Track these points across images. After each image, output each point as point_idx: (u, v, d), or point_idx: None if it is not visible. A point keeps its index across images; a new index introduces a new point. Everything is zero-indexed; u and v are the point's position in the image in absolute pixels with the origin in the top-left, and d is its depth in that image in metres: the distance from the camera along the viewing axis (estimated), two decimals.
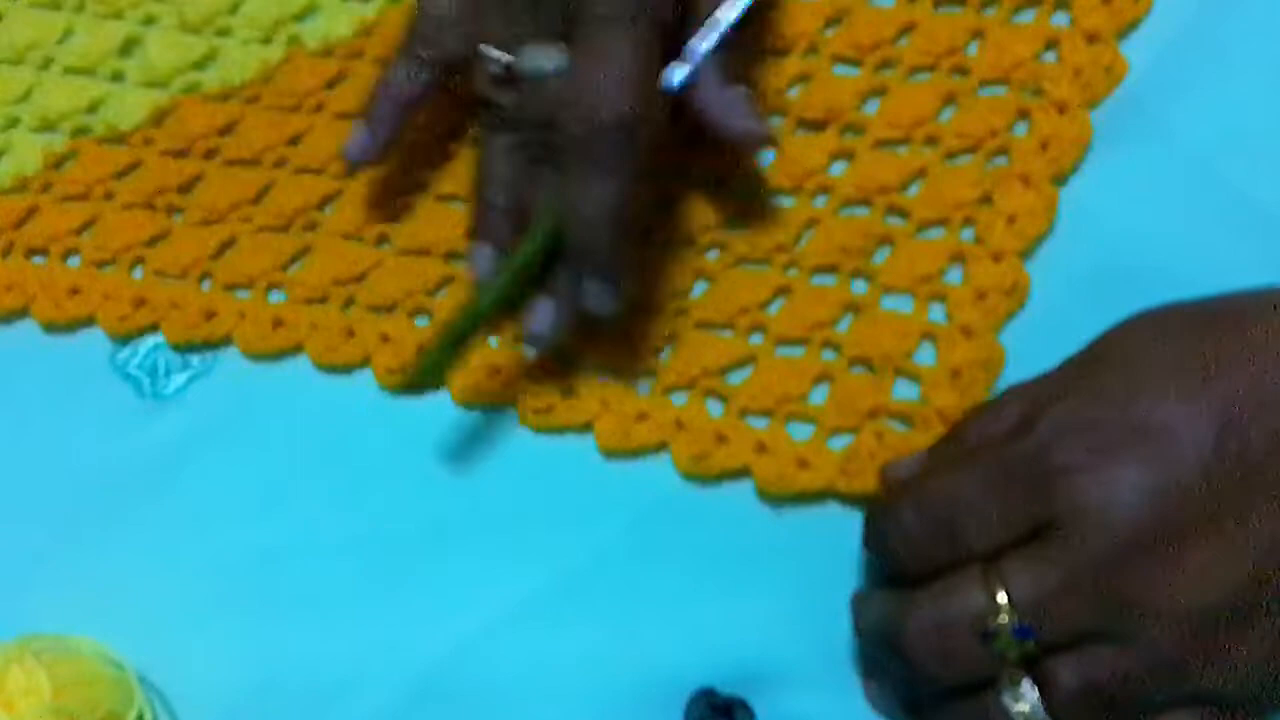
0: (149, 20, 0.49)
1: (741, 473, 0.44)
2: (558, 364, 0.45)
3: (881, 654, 0.40)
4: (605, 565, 0.44)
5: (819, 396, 0.44)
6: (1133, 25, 0.46)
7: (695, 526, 0.44)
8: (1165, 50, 0.46)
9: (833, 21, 0.47)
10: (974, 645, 0.36)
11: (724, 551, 0.43)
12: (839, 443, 0.43)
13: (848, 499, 0.43)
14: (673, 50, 0.41)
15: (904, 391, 0.44)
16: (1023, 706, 0.36)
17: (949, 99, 0.46)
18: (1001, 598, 0.36)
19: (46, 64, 0.49)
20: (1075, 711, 0.36)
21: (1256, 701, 0.36)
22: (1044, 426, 0.36)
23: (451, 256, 0.46)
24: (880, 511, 0.39)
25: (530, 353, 0.43)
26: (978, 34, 0.46)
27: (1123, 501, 0.35)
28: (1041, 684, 0.36)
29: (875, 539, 0.40)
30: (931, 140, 0.45)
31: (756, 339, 0.44)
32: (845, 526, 0.42)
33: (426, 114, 0.47)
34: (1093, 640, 0.35)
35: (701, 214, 0.46)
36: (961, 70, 0.46)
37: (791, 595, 0.43)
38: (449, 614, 0.44)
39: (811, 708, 0.42)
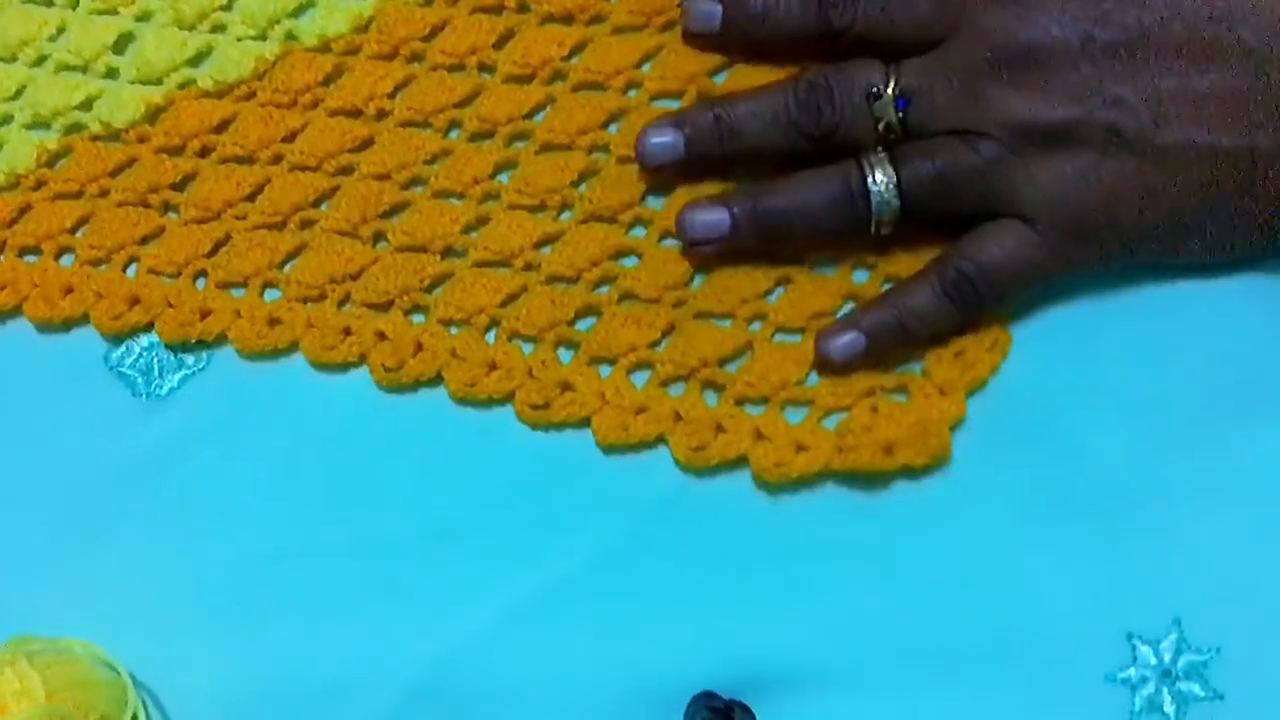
0: (143, 16, 0.49)
1: (740, 461, 0.43)
2: (554, 359, 0.44)
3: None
4: (604, 565, 0.43)
5: (815, 381, 0.43)
6: None
7: (695, 526, 0.43)
8: None
9: None
10: (859, 104, 0.42)
11: (724, 551, 0.43)
12: (834, 422, 0.43)
13: (844, 477, 0.42)
14: None
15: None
16: (878, 182, 0.42)
17: None
18: (893, 79, 0.42)
19: (40, 60, 0.49)
20: (919, 193, 0.42)
21: (1057, 222, 0.41)
22: None
23: (448, 253, 0.46)
24: None
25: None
26: None
27: (1014, 28, 0.41)
28: (896, 165, 0.42)
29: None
30: None
31: (755, 328, 0.44)
32: (847, 527, 0.42)
33: (425, 104, 0.47)
34: (948, 136, 0.41)
35: None
36: None
37: (792, 596, 0.42)
38: (446, 614, 0.43)
39: (812, 710, 0.42)
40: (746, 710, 0.41)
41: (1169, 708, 0.41)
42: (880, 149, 0.42)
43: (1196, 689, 0.41)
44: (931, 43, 0.42)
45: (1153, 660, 0.41)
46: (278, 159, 0.47)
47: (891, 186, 0.42)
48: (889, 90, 0.42)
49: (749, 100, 0.43)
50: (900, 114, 0.42)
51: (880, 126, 0.42)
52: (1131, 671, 0.41)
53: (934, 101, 0.41)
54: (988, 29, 0.41)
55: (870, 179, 0.42)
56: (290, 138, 0.47)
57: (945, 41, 0.42)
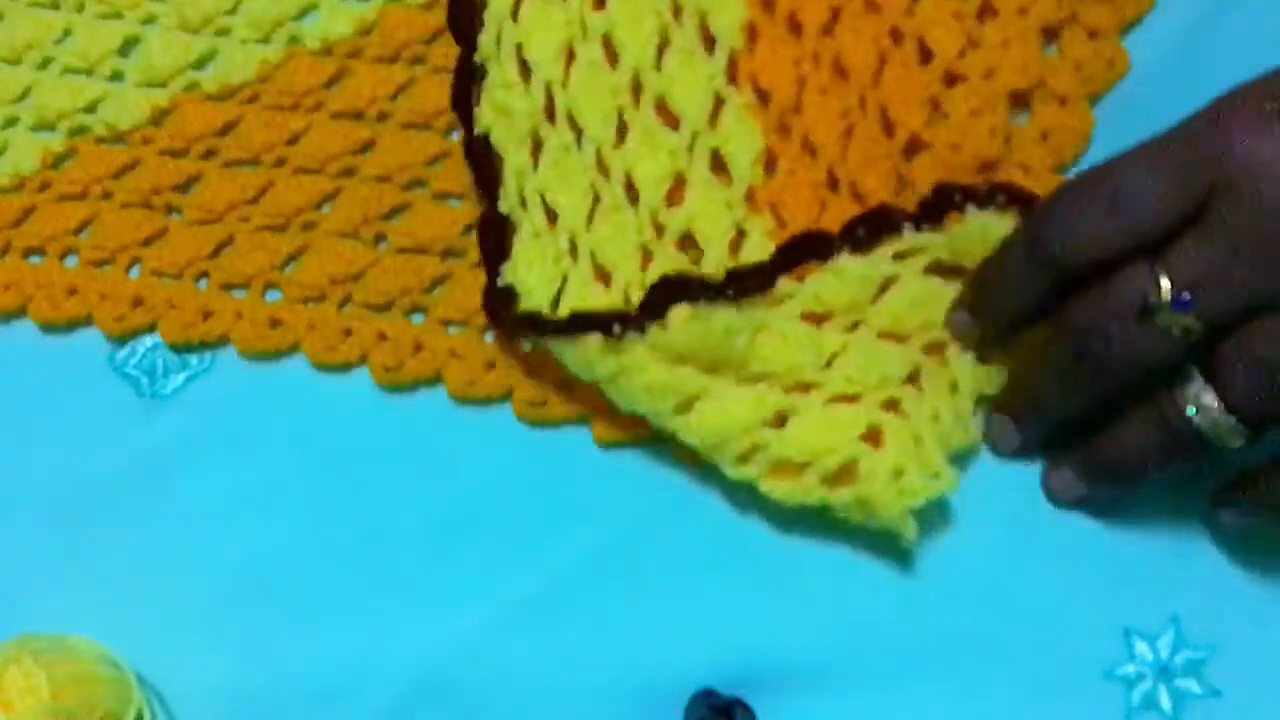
0: (148, 20, 0.49)
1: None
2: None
3: (1046, 372, 0.39)
4: (605, 562, 0.43)
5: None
6: (1135, 22, 0.45)
7: (695, 523, 0.43)
8: (1168, 48, 0.45)
9: None
10: (1135, 329, 0.35)
11: (724, 549, 0.43)
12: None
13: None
14: None
15: None
16: (1202, 409, 0.35)
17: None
18: (1163, 277, 0.35)
19: (45, 63, 0.49)
20: (1253, 398, 0.35)
21: None
22: (1210, 106, 0.36)
23: (448, 254, 0.46)
24: (1040, 211, 0.38)
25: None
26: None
27: None
28: (1214, 377, 0.35)
29: (1036, 237, 0.38)
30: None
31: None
32: (846, 525, 0.42)
33: (426, 106, 0.47)
34: (1258, 316, 0.34)
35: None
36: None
37: (791, 594, 0.42)
38: (447, 613, 0.43)
39: (811, 707, 0.42)
40: (746, 708, 0.41)
41: (1166, 704, 0.41)
42: (1189, 366, 0.36)
43: (1194, 686, 0.41)
44: (1185, 220, 0.35)
45: (1150, 657, 0.41)
46: (281, 161, 0.48)
47: (1217, 409, 0.36)
48: (1163, 295, 0.35)
49: (1032, 391, 0.40)
50: (1190, 314, 0.35)
51: (1177, 332, 0.35)
52: (1129, 668, 0.41)
53: (1227, 280, 0.34)
54: (1262, 162, 0.34)
55: (1190, 409, 0.36)
56: (293, 140, 0.48)
57: (1205, 208, 0.35)
